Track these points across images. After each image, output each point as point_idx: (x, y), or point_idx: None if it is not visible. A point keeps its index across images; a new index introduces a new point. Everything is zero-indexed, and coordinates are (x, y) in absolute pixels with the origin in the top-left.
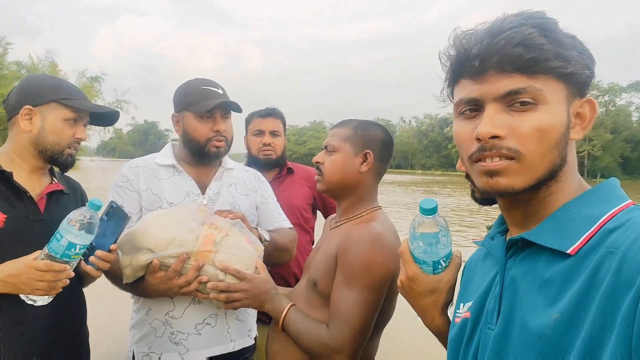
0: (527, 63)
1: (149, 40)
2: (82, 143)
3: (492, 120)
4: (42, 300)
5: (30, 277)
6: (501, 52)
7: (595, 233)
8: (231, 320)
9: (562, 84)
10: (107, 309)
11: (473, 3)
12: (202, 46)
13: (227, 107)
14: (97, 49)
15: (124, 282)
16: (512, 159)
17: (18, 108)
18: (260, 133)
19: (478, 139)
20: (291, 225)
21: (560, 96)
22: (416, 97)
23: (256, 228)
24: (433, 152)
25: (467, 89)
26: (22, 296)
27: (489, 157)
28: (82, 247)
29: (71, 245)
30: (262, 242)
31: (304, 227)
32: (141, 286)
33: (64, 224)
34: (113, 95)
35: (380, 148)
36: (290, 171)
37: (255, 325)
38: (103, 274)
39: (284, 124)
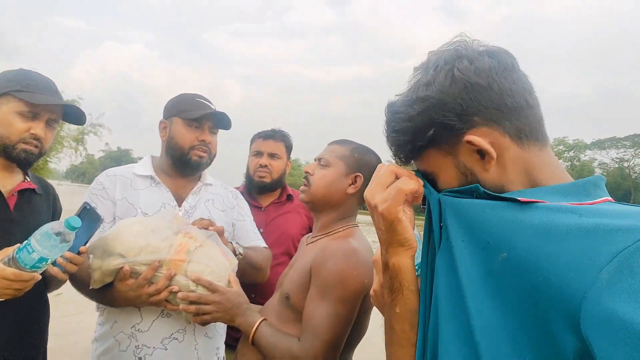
0: (407, 157)
1: (129, 69)
2: (51, 165)
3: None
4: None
5: None
6: (399, 159)
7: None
8: (199, 337)
9: (433, 149)
10: (72, 315)
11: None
12: (183, 77)
13: (217, 119)
14: (76, 73)
15: (90, 287)
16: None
17: None
18: (259, 154)
19: None
20: (266, 245)
21: (438, 160)
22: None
23: (230, 242)
24: None
25: None
26: None
27: None
28: (53, 260)
29: (42, 259)
30: (235, 255)
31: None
32: (109, 293)
33: (36, 237)
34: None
35: (371, 175)
36: (289, 198)
37: (223, 345)
38: (69, 280)
39: (288, 148)
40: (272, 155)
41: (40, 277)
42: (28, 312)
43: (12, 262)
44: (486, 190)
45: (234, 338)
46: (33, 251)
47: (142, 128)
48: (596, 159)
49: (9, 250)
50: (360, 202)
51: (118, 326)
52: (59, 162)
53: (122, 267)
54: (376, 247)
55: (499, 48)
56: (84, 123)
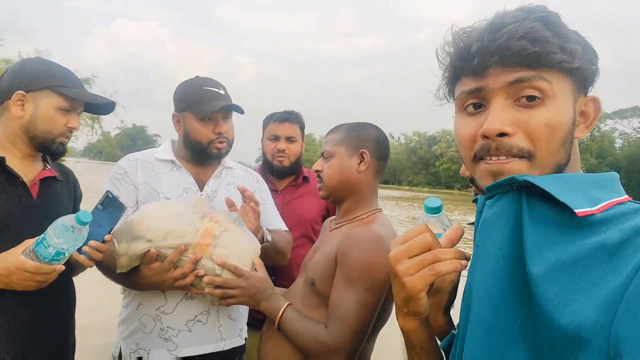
0: (532, 56)
1: (142, 46)
2: (68, 144)
3: (499, 116)
4: None
5: (20, 277)
6: (503, 47)
7: (606, 209)
8: (223, 319)
9: (569, 79)
10: (95, 301)
11: (464, 24)
12: (195, 54)
13: (229, 110)
14: (89, 52)
15: (117, 272)
16: (521, 157)
17: (10, 93)
18: (276, 138)
19: (484, 136)
20: (287, 228)
21: (567, 91)
22: (405, 114)
23: (261, 227)
24: (421, 169)
25: (470, 86)
26: None
27: (494, 156)
28: (70, 251)
29: (59, 253)
30: (263, 242)
31: (312, 239)
32: (134, 277)
33: (50, 231)
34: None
35: (375, 146)
36: (305, 180)
37: (246, 326)
38: (94, 264)
39: (302, 129)
40: (289, 139)
41: (63, 267)
42: (53, 296)
43: (32, 254)
44: (526, 179)
45: (256, 319)
46: (49, 246)
47: (156, 105)
48: (617, 129)
49: (29, 243)
50: (377, 177)
51: (143, 308)
52: (76, 140)
53: (148, 251)
54: (400, 232)
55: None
56: (111, 111)
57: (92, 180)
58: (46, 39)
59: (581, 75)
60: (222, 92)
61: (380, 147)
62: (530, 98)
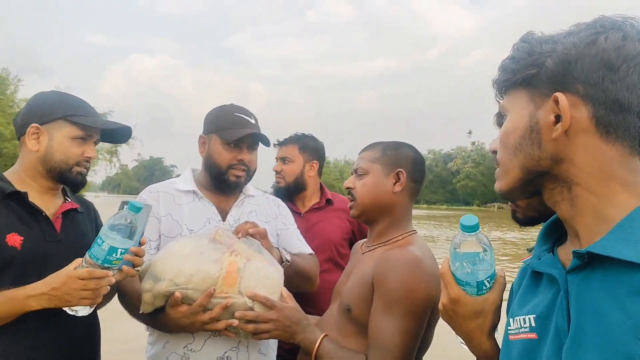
0: (501, 86)
1: (157, 79)
2: (87, 178)
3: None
4: (84, 310)
5: (72, 287)
6: (496, 84)
7: None
8: (253, 354)
9: (523, 90)
10: (121, 335)
11: (473, 41)
12: (209, 84)
13: (255, 139)
14: (107, 88)
15: (140, 312)
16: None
17: (25, 127)
18: (276, 161)
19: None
20: (312, 252)
21: (522, 101)
22: (419, 132)
23: (277, 248)
24: (438, 187)
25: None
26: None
27: None
28: (123, 251)
29: (112, 249)
30: (282, 263)
31: (339, 264)
32: (161, 319)
33: (104, 228)
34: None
35: (412, 167)
36: (329, 202)
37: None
38: (119, 302)
39: (304, 148)
40: (283, 160)
41: (114, 280)
42: (79, 330)
43: (86, 263)
44: (591, 251)
45: (284, 349)
46: (103, 242)
47: (172, 136)
48: None
49: (80, 260)
50: (412, 199)
51: (170, 347)
52: (95, 174)
53: (173, 294)
54: (438, 255)
55: None
56: (128, 138)
57: (112, 213)
58: (65, 77)
59: (532, 82)
60: (253, 121)
61: (417, 168)
62: (502, 117)
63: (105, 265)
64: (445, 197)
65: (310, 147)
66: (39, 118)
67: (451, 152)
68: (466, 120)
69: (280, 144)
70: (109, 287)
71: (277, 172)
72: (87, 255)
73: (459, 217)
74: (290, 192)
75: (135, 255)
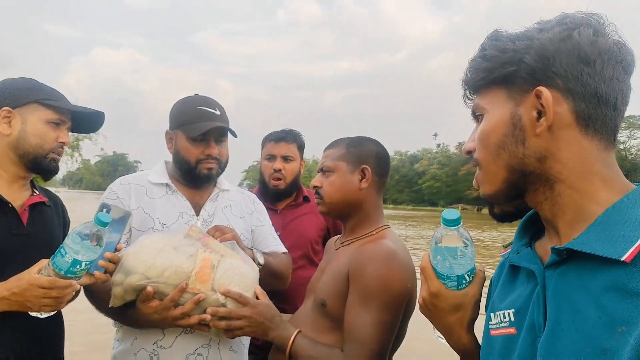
0: (475, 86)
1: (122, 74)
2: None
3: (469, 137)
4: (48, 313)
5: (34, 294)
6: (467, 84)
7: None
8: (224, 351)
9: (500, 87)
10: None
11: (439, 45)
12: (175, 80)
13: (221, 132)
14: (69, 81)
15: (110, 305)
16: (475, 166)
17: None
18: (272, 158)
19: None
20: (286, 250)
21: (500, 99)
22: (385, 133)
23: (250, 249)
24: (404, 187)
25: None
26: None
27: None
28: (87, 263)
29: (76, 262)
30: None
31: (313, 260)
32: (131, 314)
33: (68, 239)
34: None
35: (376, 162)
36: (306, 199)
37: (248, 357)
38: (85, 296)
39: (301, 148)
40: (285, 158)
41: (79, 286)
42: (41, 327)
43: (48, 269)
44: (570, 248)
45: (256, 346)
46: (66, 253)
47: (137, 132)
48: None
49: (45, 262)
50: (379, 193)
51: (138, 343)
52: None
53: (145, 288)
54: (411, 247)
55: (628, 46)
56: (100, 127)
57: (73, 209)
58: (26, 68)
59: (510, 79)
60: (218, 112)
61: (381, 163)
62: (477, 116)
63: (69, 275)
64: (410, 197)
65: (302, 146)
66: (12, 102)
67: (417, 154)
68: (432, 123)
69: (279, 140)
70: (73, 293)
71: (276, 171)
72: (50, 263)
73: (425, 217)
74: (287, 193)
75: (110, 261)
